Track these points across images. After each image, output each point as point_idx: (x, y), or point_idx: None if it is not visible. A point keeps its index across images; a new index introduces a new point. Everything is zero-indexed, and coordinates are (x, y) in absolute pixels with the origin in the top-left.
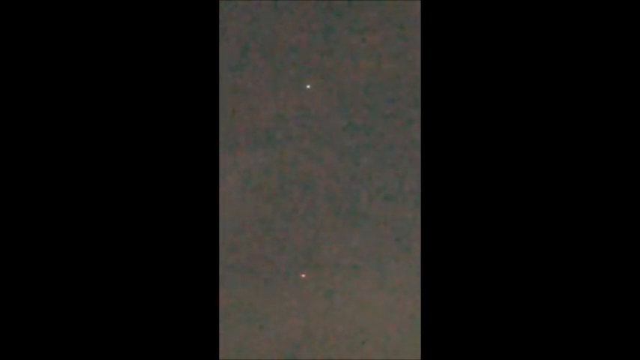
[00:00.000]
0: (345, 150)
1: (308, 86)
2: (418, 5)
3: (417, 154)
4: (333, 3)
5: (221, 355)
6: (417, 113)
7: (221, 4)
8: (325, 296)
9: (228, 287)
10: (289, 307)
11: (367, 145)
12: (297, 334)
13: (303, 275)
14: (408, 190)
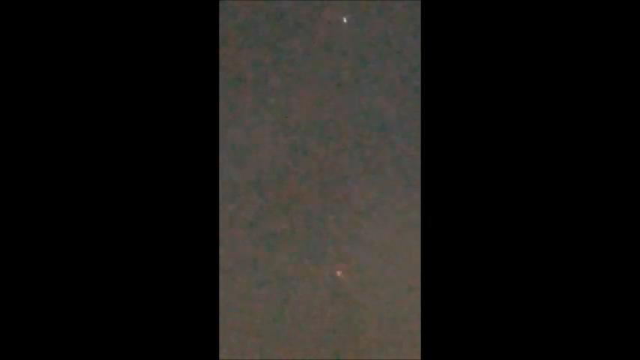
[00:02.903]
0: (349, 145)
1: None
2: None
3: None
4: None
5: (221, 356)
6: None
7: (221, 4)
8: (326, 295)
9: (229, 286)
10: (289, 307)
11: (371, 141)
12: (297, 333)
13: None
14: (411, 185)
